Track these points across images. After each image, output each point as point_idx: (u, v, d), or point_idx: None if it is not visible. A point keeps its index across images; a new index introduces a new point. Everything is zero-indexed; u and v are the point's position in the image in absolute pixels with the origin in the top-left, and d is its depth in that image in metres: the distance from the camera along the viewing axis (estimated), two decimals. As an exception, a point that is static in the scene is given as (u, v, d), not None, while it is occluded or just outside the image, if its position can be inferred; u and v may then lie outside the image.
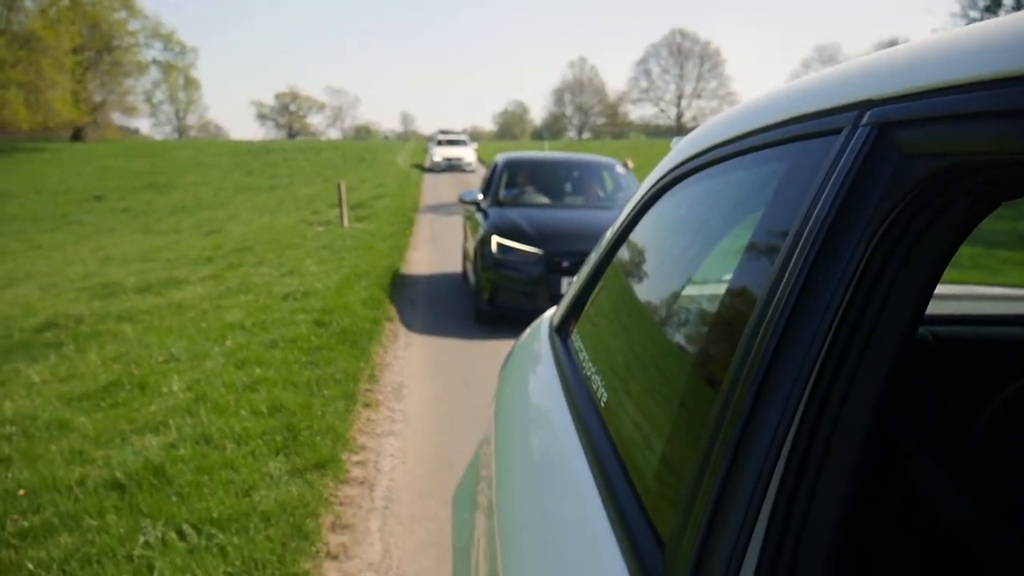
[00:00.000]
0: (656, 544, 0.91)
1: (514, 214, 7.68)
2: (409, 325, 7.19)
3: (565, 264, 6.78)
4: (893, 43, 0.99)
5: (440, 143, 36.73)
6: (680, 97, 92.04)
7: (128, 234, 18.90)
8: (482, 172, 28.25)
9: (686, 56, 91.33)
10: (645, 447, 1.14)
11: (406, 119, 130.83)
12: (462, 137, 39.13)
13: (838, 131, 0.82)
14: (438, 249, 12.33)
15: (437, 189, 24.74)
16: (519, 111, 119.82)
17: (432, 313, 7.79)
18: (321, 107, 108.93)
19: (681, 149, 1.50)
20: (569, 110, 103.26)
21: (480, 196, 8.65)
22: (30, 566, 2.81)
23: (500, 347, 6.27)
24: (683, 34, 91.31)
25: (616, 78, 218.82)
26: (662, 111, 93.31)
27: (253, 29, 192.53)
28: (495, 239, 7.15)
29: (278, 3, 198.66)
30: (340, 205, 15.03)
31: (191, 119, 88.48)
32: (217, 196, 26.05)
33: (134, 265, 12.18)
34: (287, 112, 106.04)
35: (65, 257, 15.14)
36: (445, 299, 8.46)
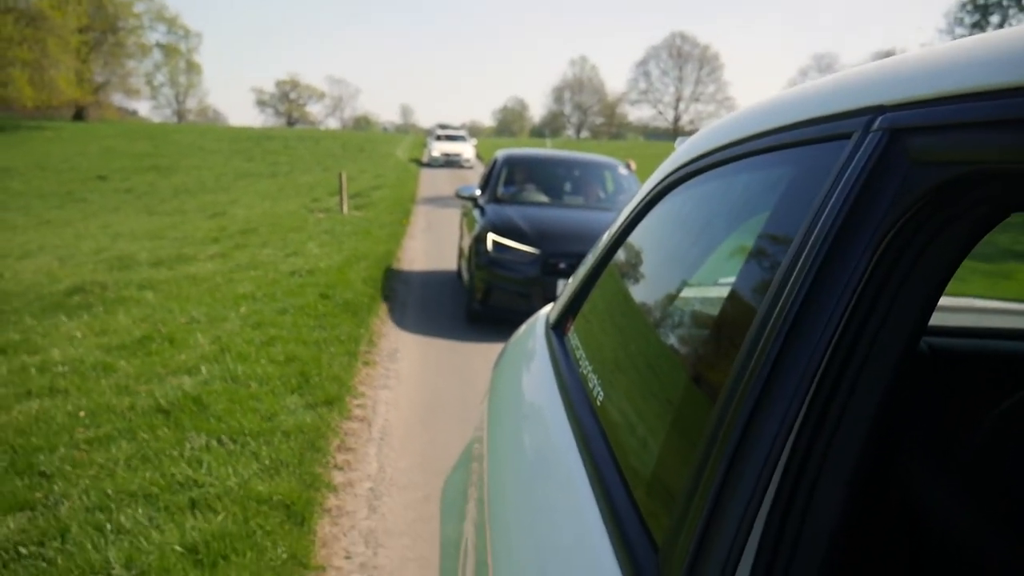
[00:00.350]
0: (650, 546, 0.91)
1: (512, 212, 7.51)
2: (404, 302, 7.96)
3: (562, 265, 6.58)
4: (890, 54, 0.97)
5: (439, 138, 36.27)
6: (678, 100, 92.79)
7: (133, 213, 19.43)
8: (481, 169, 28.99)
9: (685, 59, 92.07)
10: (641, 448, 1.13)
11: (405, 111, 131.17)
12: (461, 133, 38.73)
13: (848, 136, 0.81)
14: (433, 238, 13.08)
15: (435, 182, 25.44)
16: (518, 108, 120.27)
17: (425, 292, 8.56)
18: (321, 96, 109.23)
19: (686, 150, 1.50)
20: (568, 108, 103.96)
21: (478, 192, 8.52)
22: (100, 462, 3.56)
23: (487, 325, 7.05)
24: (683, 37, 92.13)
25: (616, 78, 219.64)
26: (660, 113, 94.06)
27: (255, 15, 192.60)
28: (491, 237, 6.98)
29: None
30: (340, 193, 15.76)
31: (190, 103, 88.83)
32: (219, 181, 26.63)
33: (144, 242, 12.85)
34: (287, 100, 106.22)
35: (75, 232, 15.71)
36: (437, 281, 9.21)
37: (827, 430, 0.72)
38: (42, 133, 42.36)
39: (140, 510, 3.07)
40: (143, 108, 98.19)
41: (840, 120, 0.85)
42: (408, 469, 3.96)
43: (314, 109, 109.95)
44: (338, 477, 3.70)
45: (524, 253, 6.81)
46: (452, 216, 15.14)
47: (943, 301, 1.91)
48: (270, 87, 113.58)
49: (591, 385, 1.46)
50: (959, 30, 29.45)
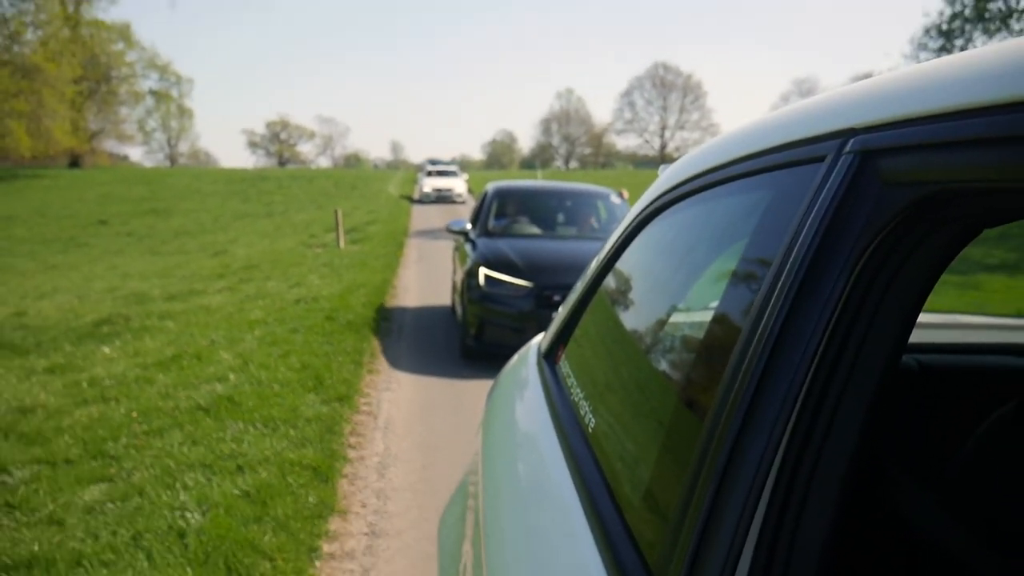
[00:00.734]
0: (644, 570, 0.92)
1: (503, 245, 7.41)
2: (401, 321, 8.81)
3: (557, 298, 6.43)
4: (867, 76, 1.02)
5: (430, 174, 35.87)
6: (664, 128, 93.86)
7: (137, 255, 20.19)
8: (472, 204, 29.99)
9: (669, 88, 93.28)
10: (633, 473, 1.14)
11: (395, 147, 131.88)
12: (452, 168, 38.58)
13: (821, 159, 0.83)
14: (425, 268, 13.95)
15: (426, 217, 26.37)
16: (507, 140, 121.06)
17: (419, 312, 9.41)
18: (311, 135, 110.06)
19: (668, 176, 1.52)
20: (556, 140, 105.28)
21: (468, 226, 8.47)
22: (158, 446, 4.38)
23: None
24: (666, 67, 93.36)
25: (602, 108, 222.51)
26: (646, 142, 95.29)
27: (242, 58, 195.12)
28: (483, 271, 6.89)
29: (269, 33, 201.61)
30: (337, 228, 16.66)
31: (182, 146, 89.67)
32: (217, 221, 27.48)
33: (153, 280, 13.67)
34: (278, 140, 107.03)
35: (84, 274, 16.47)
36: (431, 306, 10.06)
37: (813, 447, 0.73)
38: (40, 181, 43.26)
39: (199, 474, 3.90)
40: (134, 153, 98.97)
41: (814, 143, 0.87)
42: (408, 449, 4.78)
43: (305, 148, 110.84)
44: (352, 453, 4.53)
45: (517, 287, 6.72)
46: (442, 247, 16.05)
47: (931, 318, 1.95)
48: (261, 128, 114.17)
49: (583, 412, 1.47)
50: (923, 55, 30.62)
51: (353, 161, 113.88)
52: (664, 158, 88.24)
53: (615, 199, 8.93)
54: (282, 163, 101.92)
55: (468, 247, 7.89)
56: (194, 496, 3.60)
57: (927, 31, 30.45)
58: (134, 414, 5.00)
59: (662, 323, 1.36)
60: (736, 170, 1.13)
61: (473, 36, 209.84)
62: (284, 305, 9.11)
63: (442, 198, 32.94)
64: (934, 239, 0.72)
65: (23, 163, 51.34)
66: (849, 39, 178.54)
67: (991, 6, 29.08)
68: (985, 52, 0.66)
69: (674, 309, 1.34)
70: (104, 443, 4.46)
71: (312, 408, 5.01)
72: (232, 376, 5.69)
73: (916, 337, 1.56)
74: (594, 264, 1.89)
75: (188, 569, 2.94)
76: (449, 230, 8.67)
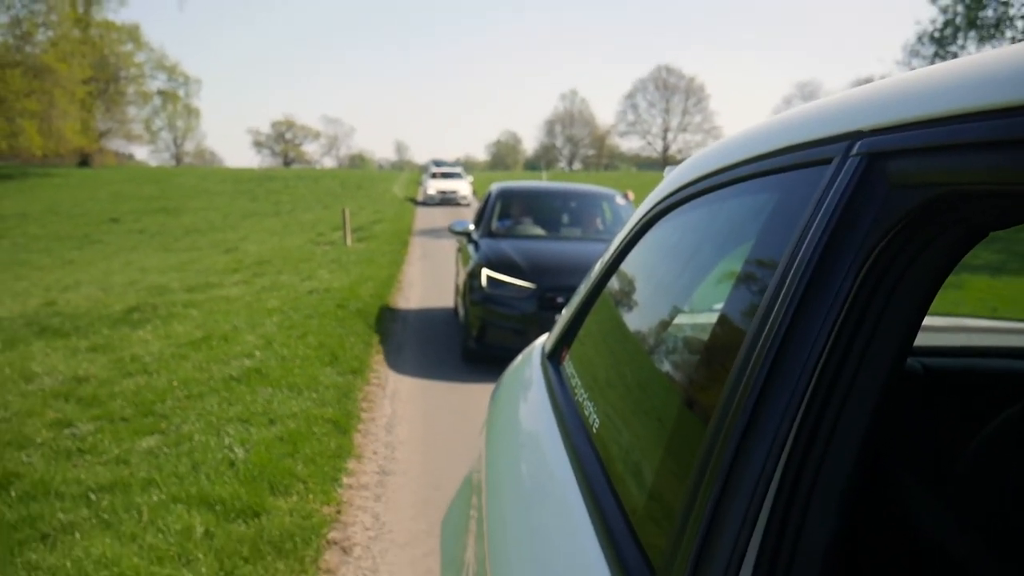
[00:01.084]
0: (648, 570, 0.93)
1: (507, 246, 7.38)
2: (406, 311, 9.59)
3: (560, 300, 6.36)
4: (869, 80, 1.02)
5: (434, 175, 35.43)
6: (666, 130, 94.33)
7: (151, 252, 20.86)
8: (477, 206, 30.74)
9: (672, 91, 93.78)
10: (636, 473, 1.15)
11: (400, 148, 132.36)
12: (457, 169, 38.09)
13: (828, 161, 0.84)
14: (428, 264, 14.73)
15: (431, 216, 27.15)
16: (512, 141, 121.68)
17: (423, 305, 10.18)
18: (316, 136, 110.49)
19: (674, 178, 1.52)
20: (560, 141, 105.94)
21: (471, 226, 8.44)
22: (199, 407, 5.15)
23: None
24: (669, 70, 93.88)
25: (606, 110, 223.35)
26: (649, 144, 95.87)
27: (249, 58, 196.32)
28: (485, 272, 6.85)
29: (274, 33, 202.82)
30: (344, 227, 17.44)
31: (188, 146, 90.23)
32: (226, 220, 28.21)
33: (171, 274, 14.43)
34: (283, 140, 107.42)
35: (102, 269, 17.19)
36: (433, 297, 10.83)
37: (818, 449, 0.73)
38: (51, 180, 44.10)
39: (238, 425, 4.67)
40: (140, 152, 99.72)
41: (821, 146, 0.88)
42: (412, 413, 5.55)
43: (310, 148, 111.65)
44: (364, 415, 5.30)
45: (520, 288, 6.67)
46: (445, 246, 16.83)
47: (936, 321, 1.95)
48: (266, 128, 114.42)
49: (587, 412, 1.48)
50: (915, 61, 31.27)
51: (358, 161, 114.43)
52: (667, 160, 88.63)
53: (620, 200, 8.89)
54: (287, 163, 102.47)
55: (471, 248, 7.86)
56: (237, 439, 4.37)
57: (920, 38, 31.07)
58: (174, 383, 5.76)
59: (667, 324, 1.36)
60: (742, 172, 1.14)
61: (478, 37, 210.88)
62: (298, 295, 9.88)
63: (447, 200, 32.53)
64: (940, 241, 0.71)
65: (33, 162, 52.30)
66: (852, 43, 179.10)
67: (983, 14, 29.71)
68: (992, 55, 0.66)
69: (679, 310, 1.34)
70: (152, 405, 5.23)
71: (330, 378, 5.78)
72: (258, 353, 6.47)
73: (920, 340, 1.57)
74: (599, 265, 1.90)
75: (241, 486, 3.71)
76: (452, 231, 8.62)
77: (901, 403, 1.53)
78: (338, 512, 3.73)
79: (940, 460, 1.39)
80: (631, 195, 9.84)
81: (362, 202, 31.74)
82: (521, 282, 6.71)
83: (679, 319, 1.31)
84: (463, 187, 33.57)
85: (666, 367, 1.27)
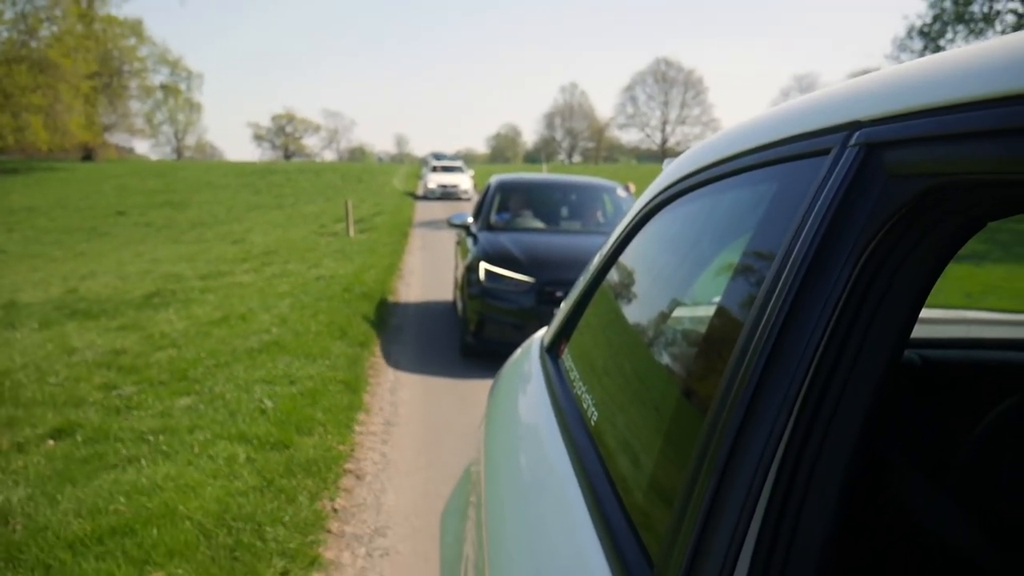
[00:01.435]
0: (646, 562, 0.94)
1: (505, 239, 7.33)
2: (407, 295, 10.35)
3: (559, 294, 6.32)
4: (867, 72, 1.00)
5: (435, 169, 34.72)
6: (665, 123, 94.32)
7: (160, 243, 21.49)
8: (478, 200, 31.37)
9: (670, 84, 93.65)
10: (635, 466, 1.16)
11: (400, 141, 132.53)
12: (458, 163, 37.47)
13: (827, 152, 0.84)
14: (428, 254, 15.48)
15: (430, 208, 27.85)
16: (512, 134, 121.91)
17: (423, 290, 10.94)
18: (317, 129, 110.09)
19: (673, 170, 1.53)
20: (559, 134, 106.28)
21: (470, 219, 8.42)
22: (227, 372, 5.90)
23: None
24: (667, 62, 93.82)
25: (606, 103, 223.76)
26: (648, 136, 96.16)
27: (248, 51, 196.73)
28: (483, 265, 6.81)
29: (274, 26, 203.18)
30: (347, 218, 18.17)
31: (189, 140, 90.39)
32: (231, 212, 28.85)
33: (182, 264, 15.13)
34: (283, 133, 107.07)
35: (114, 260, 17.82)
36: (430, 281, 11.58)
37: (815, 440, 0.74)
38: (56, 174, 44.73)
39: (263, 385, 5.43)
40: (141, 146, 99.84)
41: (819, 136, 0.88)
42: (412, 378, 6.31)
43: (310, 142, 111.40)
44: (371, 380, 6.07)
45: (518, 282, 6.63)
46: (444, 236, 17.58)
47: (934, 314, 1.96)
48: (266, 121, 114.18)
49: (585, 406, 1.48)
50: (904, 55, 31.92)
51: (358, 154, 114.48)
52: (665, 153, 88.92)
53: (621, 192, 8.83)
54: (287, 156, 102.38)
55: (469, 241, 7.84)
56: (264, 395, 5.13)
57: (909, 32, 31.71)
58: (202, 354, 6.51)
59: (666, 317, 1.36)
60: (741, 163, 1.14)
61: (478, 30, 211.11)
62: (306, 281, 10.62)
63: (447, 195, 31.79)
64: (938, 231, 0.72)
65: (38, 156, 53.00)
66: (849, 35, 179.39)
67: (972, 8, 30.32)
68: (990, 45, 0.66)
69: (678, 303, 1.34)
70: (185, 371, 5.98)
71: (340, 349, 6.54)
72: (274, 329, 7.22)
73: (919, 332, 1.57)
74: (598, 258, 1.90)
75: (272, 427, 4.48)
76: (451, 224, 8.62)
77: (900, 395, 1.54)
78: (352, 450, 4.49)
79: (939, 451, 1.40)
80: (632, 187, 9.88)
81: (363, 195, 32.41)
82: (520, 276, 6.67)
83: (678, 311, 1.31)
84: (464, 181, 32.96)
85: (664, 359, 1.28)
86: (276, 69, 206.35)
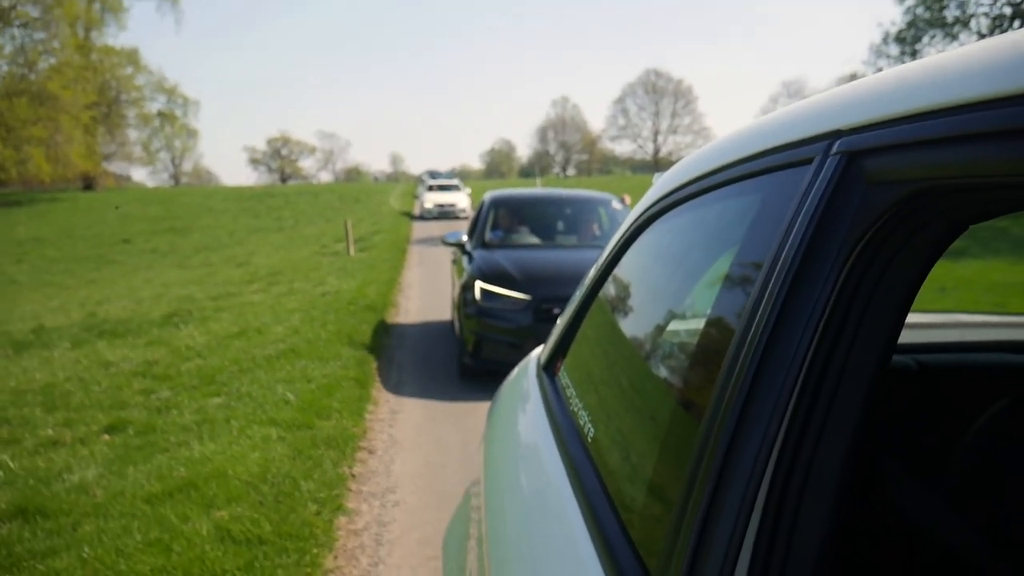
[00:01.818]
0: (643, 574, 0.95)
1: (500, 257, 7.24)
2: (407, 306, 11.17)
3: (556, 311, 6.18)
4: (853, 78, 1.01)
5: (431, 188, 34.17)
6: (656, 133, 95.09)
7: (167, 269, 22.18)
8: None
9: (661, 94, 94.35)
10: (631, 480, 1.17)
11: (395, 159, 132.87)
12: (454, 181, 37.06)
13: (809, 161, 0.85)
14: (425, 269, 16.31)
15: (426, 226, 28.65)
16: (506, 149, 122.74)
17: (421, 302, 11.77)
18: (312, 151, 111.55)
19: (663, 183, 1.55)
20: (553, 148, 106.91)
21: (465, 237, 8.31)
22: (250, 376, 6.70)
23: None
24: (657, 73, 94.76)
25: (597, 115, 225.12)
26: (640, 147, 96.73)
27: (241, 76, 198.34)
28: (479, 284, 6.75)
29: (267, 50, 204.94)
30: (347, 238, 19.01)
31: (186, 166, 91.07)
32: (233, 236, 29.58)
33: (192, 287, 15.92)
34: (279, 156, 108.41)
35: (126, 286, 18.55)
36: (428, 293, 12.41)
37: (808, 446, 0.74)
38: (59, 204, 45.54)
39: (285, 385, 6.24)
40: (138, 174, 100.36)
41: (801, 146, 0.89)
42: (414, 379, 7.12)
43: (306, 164, 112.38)
44: (377, 378, 6.88)
45: (515, 300, 6.54)
46: (440, 253, 18.39)
47: (928, 318, 2.04)
48: (261, 145, 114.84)
49: (582, 422, 1.50)
50: (881, 62, 32.76)
51: (354, 175, 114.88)
52: (658, 162, 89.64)
53: (616, 205, 8.74)
54: (284, 179, 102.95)
55: (465, 260, 7.74)
56: (287, 391, 5.94)
57: (884, 39, 32.55)
58: (226, 363, 7.33)
59: (660, 330, 1.36)
60: (728, 175, 1.15)
61: (469, 48, 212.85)
62: (313, 298, 11.45)
63: (444, 214, 31.04)
64: (921, 236, 0.72)
65: (39, 187, 53.85)
66: (838, 40, 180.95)
67: (947, 14, 31.14)
68: (963, 51, 0.67)
69: (671, 315, 1.34)
70: (213, 376, 6.79)
71: (349, 353, 7.36)
72: (288, 339, 8.05)
73: (913, 337, 1.60)
74: (591, 273, 1.92)
75: (296, 414, 5.30)
76: (445, 242, 8.57)
77: (895, 399, 1.54)
78: (364, 432, 5.31)
79: (934, 455, 1.40)
80: (628, 199, 10.26)
81: (361, 214, 33.19)
82: (516, 294, 6.59)
83: (671, 324, 1.31)
84: (461, 199, 32.26)
85: (659, 372, 1.28)
86: (270, 93, 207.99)
